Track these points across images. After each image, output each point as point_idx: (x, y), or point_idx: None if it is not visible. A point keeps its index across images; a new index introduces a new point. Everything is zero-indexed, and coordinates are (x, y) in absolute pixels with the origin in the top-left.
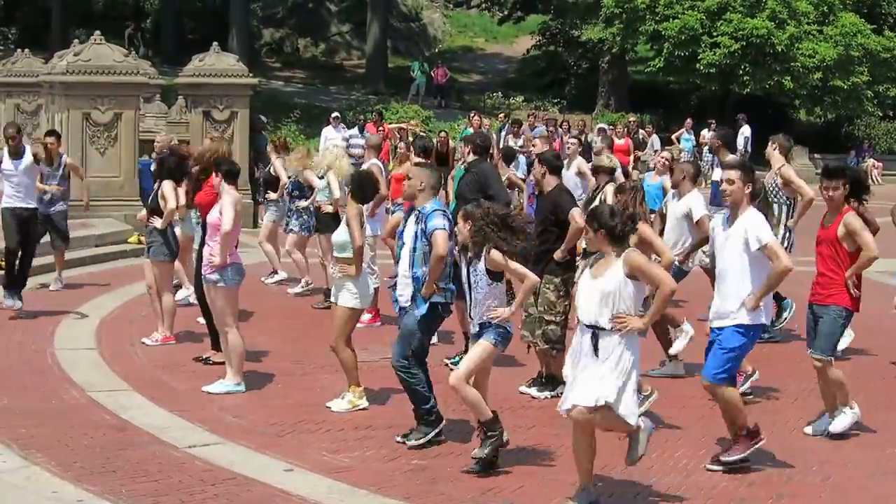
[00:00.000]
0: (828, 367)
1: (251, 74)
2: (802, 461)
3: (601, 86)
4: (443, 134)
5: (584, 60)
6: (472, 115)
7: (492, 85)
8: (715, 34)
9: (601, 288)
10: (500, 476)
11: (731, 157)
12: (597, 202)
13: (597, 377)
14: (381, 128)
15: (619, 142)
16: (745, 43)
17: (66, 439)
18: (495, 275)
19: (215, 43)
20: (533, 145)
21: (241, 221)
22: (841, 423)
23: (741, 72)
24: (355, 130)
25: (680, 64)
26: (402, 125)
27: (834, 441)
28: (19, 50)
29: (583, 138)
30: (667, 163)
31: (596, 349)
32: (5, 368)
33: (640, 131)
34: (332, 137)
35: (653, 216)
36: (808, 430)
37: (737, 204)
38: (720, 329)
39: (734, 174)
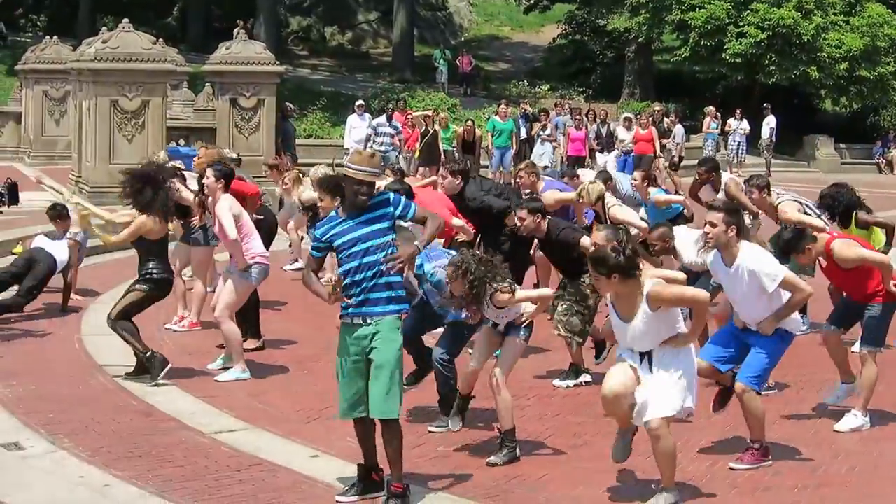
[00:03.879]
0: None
1: (278, 62)
2: (829, 451)
3: (627, 75)
4: (469, 122)
5: (610, 49)
6: (500, 105)
7: (518, 74)
8: (741, 24)
9: (636, 329)
10: (524, 464)
11: (718, 198)
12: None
13: (663, 388)
14: (407, 115)
15: (642, 131)
16: (771, 33)
17: (94, 424)
18: None
19: (242, 31)
20: (519, 177)
21: (245, 219)
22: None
23: (767, 62)
24: (382, 118)
25: (706, 53)
26: (428, 112)
27: (860, 432)
28: (48, 37)
29: (604, 129)
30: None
31: (650, 367)
32: (33, 354)
33: (665, 120)
34: (357, 125)
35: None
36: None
37: (722, 247)
38: (758, 333)
39: (717, 217)
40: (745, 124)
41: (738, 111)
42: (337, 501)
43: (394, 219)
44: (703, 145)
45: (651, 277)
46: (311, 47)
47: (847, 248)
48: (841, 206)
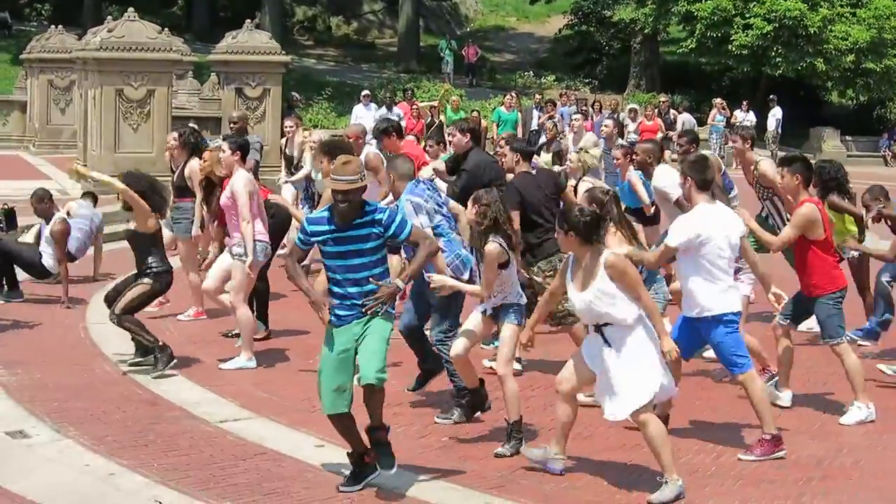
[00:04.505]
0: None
1: (283, 52)
2: (834, 444)
3: (633, 66)
4: (475, 113)
5: (616, 41)
6: (506, 96)
7: (523, 64)
8: (748, 15)
9: (590, 300)
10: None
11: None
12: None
13: (628, 379)
14: (413, 105)
15: (648, 123)
16: (777, 24)
17: (99, 413)
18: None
19: (248, 20)
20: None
21: (257, 198)
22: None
23: (773, 53)
24: (383, 109)
25: (712, 45)
26: (434, 103)
27: (866, 425)
28: (53, 26)
29: (615, 118)
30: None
31: (607, 342)
32: (38, 342)
33: (672, 112)
34: (363, 115)
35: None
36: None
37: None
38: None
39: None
40: (752, 116)
41: (744, 103)
42: (340, 491)
43: (384, 239)
44: (709, 138)
45: (615, 252)
46: (317, 37)
47: (805, 208)
48: (821, 179)
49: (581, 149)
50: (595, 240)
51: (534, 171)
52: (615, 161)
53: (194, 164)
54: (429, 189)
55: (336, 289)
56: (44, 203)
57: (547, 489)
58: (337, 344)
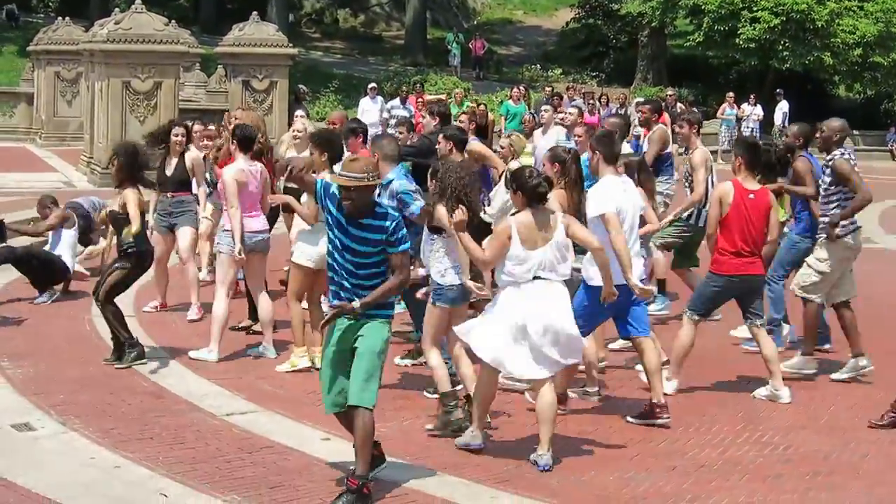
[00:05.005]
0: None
1: (290, 44)
2: (840, 438)
3: (640, 59)
4: (481, 106)
5: (624, 34)
6: (513, 88)
7: (530, 57)
8: (755, 9)
9: (558, 242)
10: (536, 448)
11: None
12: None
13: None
14: (419, 99)
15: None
16: (785, 18)
17: (104, 406)
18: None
19: (255, 13)
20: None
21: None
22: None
23: (781, 47)
24: (397, 101)
25: (719, 38)
26: (441, 96)
27: (872, 418)
28: (60, 18)
29: (622, 112)
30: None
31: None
32: (43, 335)
33: (679, 105)
34: (369, 108)
35: None
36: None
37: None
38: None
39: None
40: (759, 110)
41: (752, 97)
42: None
43: (386, 243)
44: (719, 131)
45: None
46: (324, 30)
47: (719, 187)
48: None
49: (511, 133)
50: (543, 200)
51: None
52: (577, 139)
53: (193, 153)
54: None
55: (333, 276)
56: (47, 209)
57: (553, 483)
58: (332, 342)
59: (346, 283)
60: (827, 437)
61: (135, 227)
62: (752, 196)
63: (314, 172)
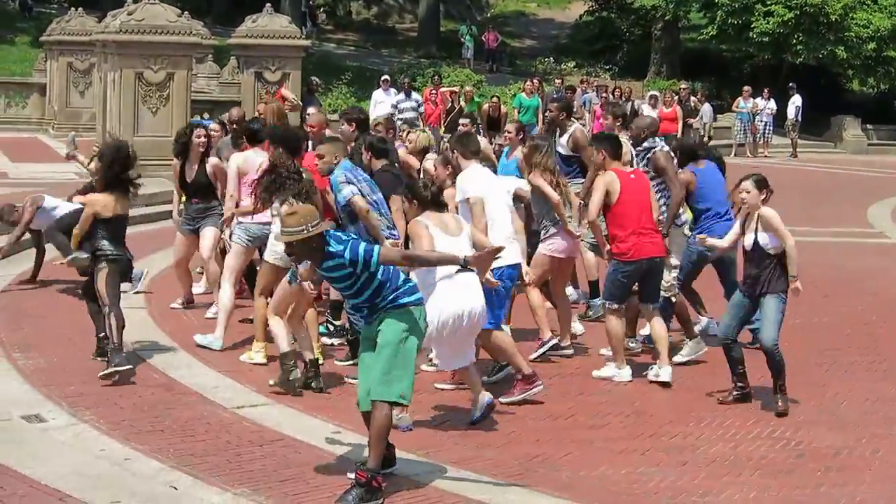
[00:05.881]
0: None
1: (303, 36)
2: (852, 434)
3: (653, 53)
4: (494, 99)
5: (637, 27)
6: (526, 81)
7: (544, 50)
8: (769, 3)
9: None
10: (546, 443)
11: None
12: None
13: None
14: (433, 91)
15: (666, 110)
16: (798, 12)
17: (115, 398)
18: None
19: (268, 4)
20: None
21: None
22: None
23: (794, 41)
24: (402, 95)
25: (733, 32)
26: (454, 88)
27: (885, 414)
28: (73, 8)
29: (628, 106)
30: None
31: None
32: (55, 327)
33: (692, 99)
34: (382, 100)
35: None
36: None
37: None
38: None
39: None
40: (773, 104)
41: (765, 91)
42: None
43: (357, 270)
44: (733, 124)
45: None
46: (337, 22)
47: (604, 177)
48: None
49: (423, 130)
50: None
51: (394, 168)
52: (507, 135)
53: (214, 159)
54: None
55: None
56: (15, 212)
57: (565, 478)
58: (365, 336)
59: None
60: (839, 432)
61: (72, 246)
62: (633, 176)
63: None
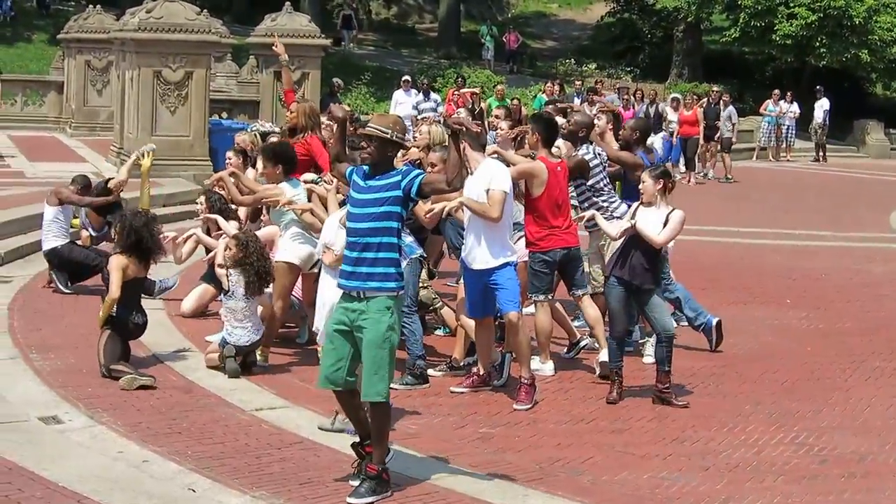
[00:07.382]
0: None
1: (322, 35)
2: (877, 440)
3: (675, 55)
4: (515, 101)
5: (659, 29)
6: (547, 83)
7: (565, 51)
8: (792, 5)
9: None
10: (568, 447)
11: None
12: None
13: None
14: (455, 92)
15: (686, 113)
16: (822, 14)
17: (133, 399)
18: None
19: (288, 3)
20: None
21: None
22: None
23: (818, 44)
24: (420, 97)
25: (756, 34)
26: (475, 89)
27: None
28: (91, 6)
29: (653, 109)
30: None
31: None
32: (71, 327)
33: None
34: (403, 101)
35: None
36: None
37: None
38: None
39: None
40: (796, 107)
41: (788, 94)
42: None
43: (403, 192)
44: (760, 127)
45: None
46: (357, 21)
47: (531, 165)
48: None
49: (437, 121)
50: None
51: None
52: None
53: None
54: None
55: (348, 243)
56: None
57: (585, 482)
58: (338, 319)
59: (354, 246)
60: (863, 438)
61: (109, 302)
62: (559, 168)
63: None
